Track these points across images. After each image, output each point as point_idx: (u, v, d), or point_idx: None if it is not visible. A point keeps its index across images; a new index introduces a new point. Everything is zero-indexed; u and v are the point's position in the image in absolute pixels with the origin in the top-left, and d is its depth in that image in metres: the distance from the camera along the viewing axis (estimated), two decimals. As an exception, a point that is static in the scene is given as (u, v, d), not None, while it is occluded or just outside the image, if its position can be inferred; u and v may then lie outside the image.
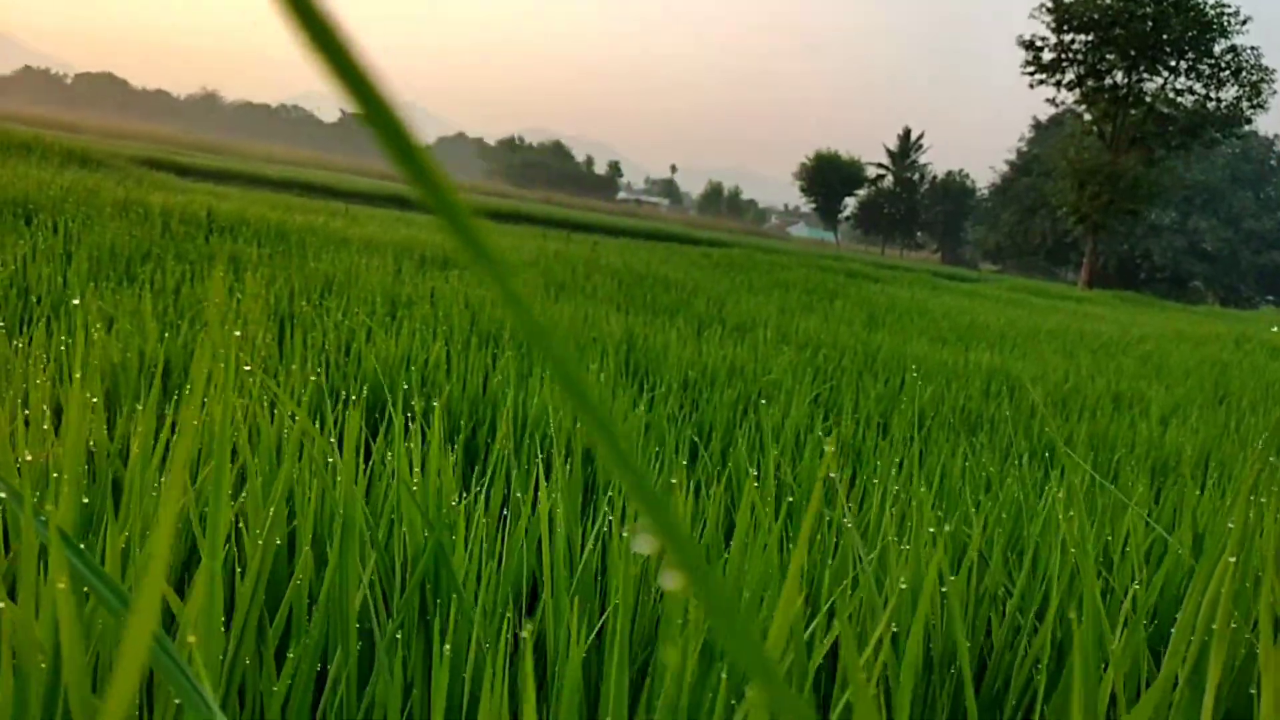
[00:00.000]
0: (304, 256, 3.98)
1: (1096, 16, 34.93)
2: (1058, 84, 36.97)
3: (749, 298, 6.62)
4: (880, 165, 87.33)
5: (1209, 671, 0.68)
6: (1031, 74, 37.41)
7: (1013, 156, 69.41)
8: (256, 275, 2.78)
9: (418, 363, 2.00)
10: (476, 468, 1.61)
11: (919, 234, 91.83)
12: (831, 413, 2.68)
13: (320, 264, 3.74)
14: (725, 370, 2.92)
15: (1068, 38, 36.36)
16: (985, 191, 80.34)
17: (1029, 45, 37.38)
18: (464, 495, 1.24)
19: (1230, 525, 0.70)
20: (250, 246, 4.27)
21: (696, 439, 2.03)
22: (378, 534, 1.10)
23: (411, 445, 1.16)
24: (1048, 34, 36.78)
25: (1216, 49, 35.05)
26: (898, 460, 1.80)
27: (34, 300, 2.38)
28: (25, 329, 2.17)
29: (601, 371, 2.08)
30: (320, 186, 24.06)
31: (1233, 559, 0.69)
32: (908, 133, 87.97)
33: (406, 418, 1.34)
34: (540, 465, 1.32)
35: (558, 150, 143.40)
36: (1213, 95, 35.59)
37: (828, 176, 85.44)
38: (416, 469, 1.11)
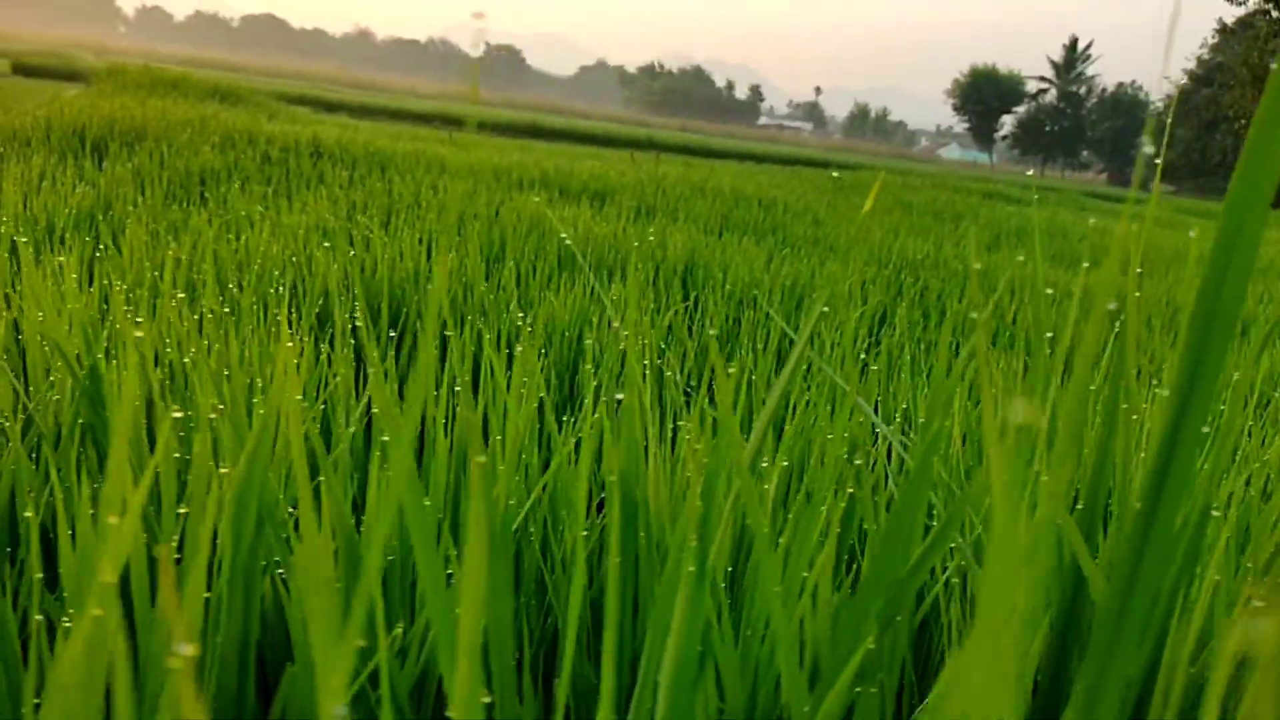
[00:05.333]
0: (386, 180, 4.07)
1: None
2: (1242, -20, 33.32)
3: (861, 219, 6.36)
4: (1042, 79, 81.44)
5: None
6: (1213, -29, 33.82)
7: (1192, 65, 63.55)
8: (319, 196, 2.86)
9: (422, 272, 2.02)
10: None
11: (1084, 153, 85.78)
12: (886, 328, 2.55)
13: (401, 186, 3.81)
14: (782, 290, 2.82)
15: (1258, -74, 32.67)
16: (1160, 105, 74.05)
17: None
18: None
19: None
20: (344, 170, 4.40)
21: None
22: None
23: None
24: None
25: None
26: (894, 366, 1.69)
27: (103, 217, 2.52)
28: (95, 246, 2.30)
29: (636, 286, 2.04)
30: (460, 119, 24.49)
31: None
32: (1074, 42, 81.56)
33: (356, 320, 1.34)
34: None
35: (698, 76, 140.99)
36: None
37: (984, 93, 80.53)
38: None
